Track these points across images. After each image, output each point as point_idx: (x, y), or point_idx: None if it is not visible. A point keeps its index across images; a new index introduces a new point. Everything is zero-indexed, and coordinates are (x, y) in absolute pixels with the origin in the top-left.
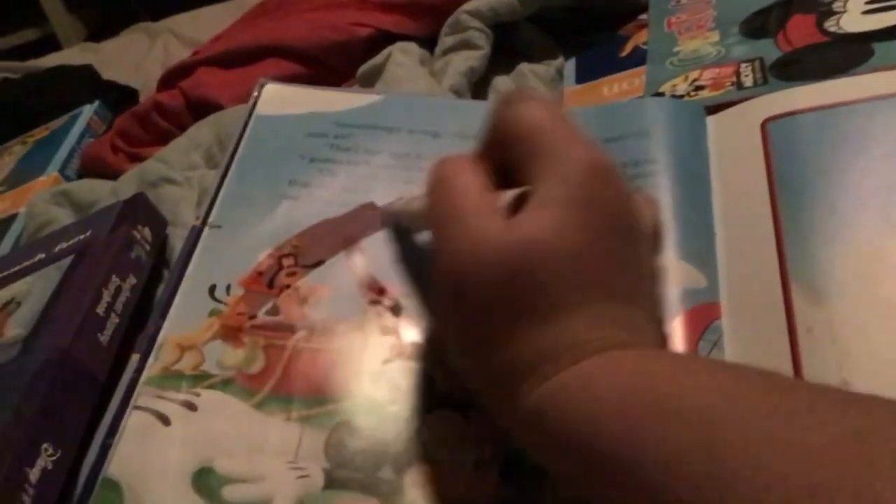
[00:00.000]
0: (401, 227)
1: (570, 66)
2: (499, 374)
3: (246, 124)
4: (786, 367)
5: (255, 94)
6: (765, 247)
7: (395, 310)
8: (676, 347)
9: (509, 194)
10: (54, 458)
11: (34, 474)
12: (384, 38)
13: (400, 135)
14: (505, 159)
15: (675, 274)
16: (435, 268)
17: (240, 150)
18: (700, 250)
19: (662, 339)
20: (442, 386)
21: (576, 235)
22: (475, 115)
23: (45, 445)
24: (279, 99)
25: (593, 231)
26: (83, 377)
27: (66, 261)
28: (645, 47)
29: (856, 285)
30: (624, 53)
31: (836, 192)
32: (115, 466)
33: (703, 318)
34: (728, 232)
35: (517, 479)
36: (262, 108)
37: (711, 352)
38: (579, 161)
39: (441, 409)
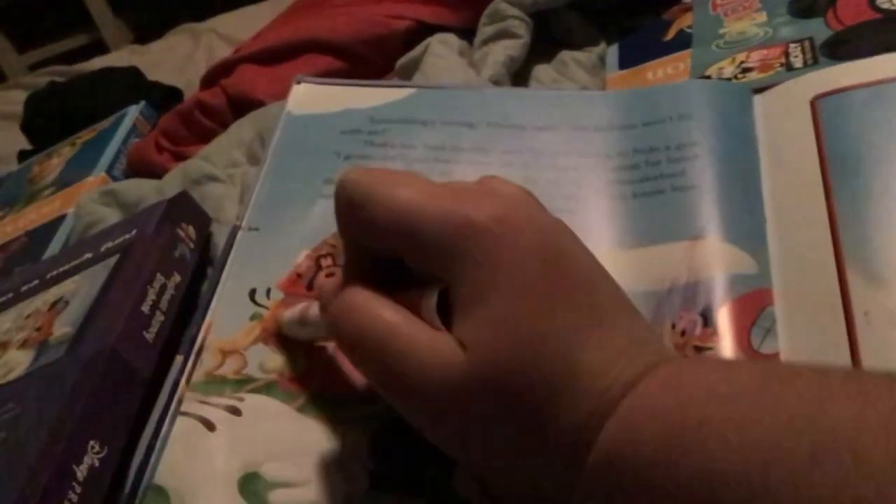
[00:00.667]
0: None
1: (612, 52)
2: (543, 466)
3: (280, 124)
4: (843, 353)
5: (293, 91)
6: (818, 228)
7: (439, 304)
8: (728, 335)
9: (431, 303)
10: (101, 455)
11: (81, 472)
12: (423, 30)
13: (434, 127)
14: (391, 251)
15: (724, 259)
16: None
17: (273, 150)
18: (750, 234)
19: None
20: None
21: (530, 320)
22: (509, 104)
23: (92, 443)
24: (311, 98)
25: (542, 298)
26: (129, 374)
27: (112, 259)
28: (689, 31)
29: None
30: (668, 37)
31: (889, 170)
32: (162, 473)
33: (755, 304)
34: (779, 214)
35: None
36: (294, 108)
37: (765, 339)
38: (472, 233)
39: None
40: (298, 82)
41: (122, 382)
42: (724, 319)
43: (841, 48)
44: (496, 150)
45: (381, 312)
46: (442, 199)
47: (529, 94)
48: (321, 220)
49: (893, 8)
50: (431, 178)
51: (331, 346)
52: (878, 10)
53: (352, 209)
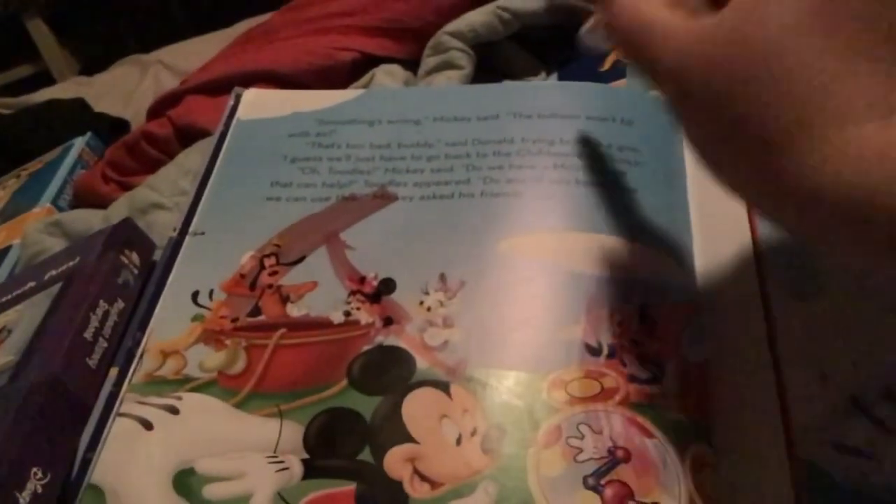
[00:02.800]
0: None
1: (551, 81)
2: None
3: (223, 133)
4: (765, 359)
5: (232, 102)
6: (742, 243)
7: (375, 297)
8: (662, 336)
9: None
10: (44, 481)
11: (24, 498)
12: (368, 62)
13: (381, 126)
14: None
15: (659, 264)
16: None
17: (221, 155)
18: (680, 246)
19: None
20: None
21: None
22: (453, 99)
23: (34, 469)
24: (260, 103)
25: None
26: (72, 401)
27: (56, 287)
28: (625, 61)
29: (834, 279)
30: (604, 68)
31: None
32: (99, 472)
33: (685, 311)
34: (704, 226)
35: (500, 450)
36: (243, 113)
37: (692, 347)
38: None
39: (421, 387)
40: (238, 94)
41: (65, 409)
42: (659, 319)
43: None
44: (441, 143)
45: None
46: None
47: (473, 89)
48: (267, 223)
49: None
50: (376, 176)
51: (270, 343)
52: None
53: None
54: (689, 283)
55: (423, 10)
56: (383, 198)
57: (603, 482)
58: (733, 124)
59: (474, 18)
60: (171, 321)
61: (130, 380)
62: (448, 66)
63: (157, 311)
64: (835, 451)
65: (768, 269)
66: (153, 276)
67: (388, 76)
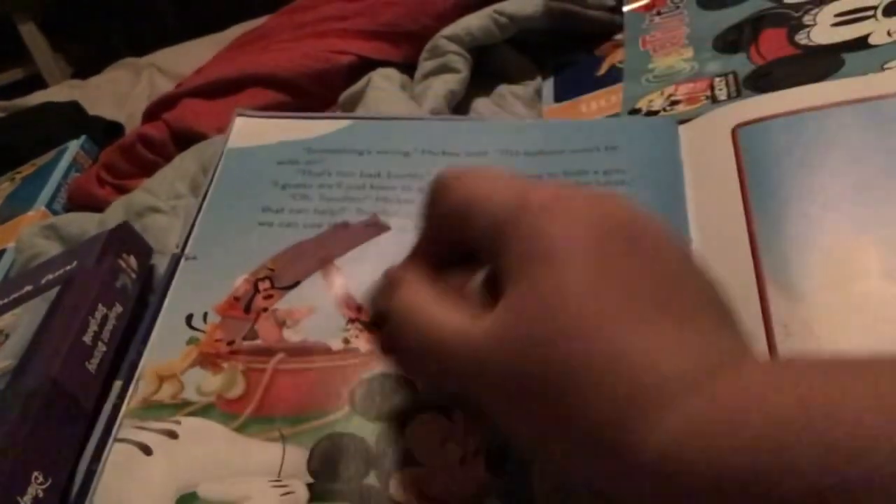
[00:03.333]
0: None
1: (548, 85)
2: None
3: (221, 158)
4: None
5: (233, 125)
6: (740, 250)
7: (373, 325)
8: None
9: (475, 283)
10: (45, 486)
11: (25, 502)
12: (365, 65)
13: (370, 156)
14: (458, 241)
15: None
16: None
17: (213, 182)
18: None
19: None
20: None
21: (574, 291)
22: (441, 133)
23: (35, 474)
24: (249, 131)
25: (594, 273)
26: (72, 405)
27: (53, 292)
28: (621, 66)
29: (830, 283)
30: (600, 72)
31: (806, 194)
32: (99, 499)
33: None
34: (704, 238)
35: (504, 469)
36: (232, 142)
37: None
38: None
39: (423, 412)
40: (239, 115)
41: (65, 413)
42: None
43: (762, 81)
44: (429, 176)
45: (425, 306)
46: (508, 186)
47: (461, 124)
48: (259, 247)
49: (810, 44)
50: (367, 204)
51: (269, 367)
52: (796, 45)
53: (436, 194)
54: None
55: (419, 14)
56: (376, 226)
57: None
58: (552, 419)
59: (471, 22)
60: (166, 344)
61: (128, 404)
62: (445, 69)
63: (152, 336)
64: None
65: (768, 287)
66: (156, 292)
67: (384, 80)
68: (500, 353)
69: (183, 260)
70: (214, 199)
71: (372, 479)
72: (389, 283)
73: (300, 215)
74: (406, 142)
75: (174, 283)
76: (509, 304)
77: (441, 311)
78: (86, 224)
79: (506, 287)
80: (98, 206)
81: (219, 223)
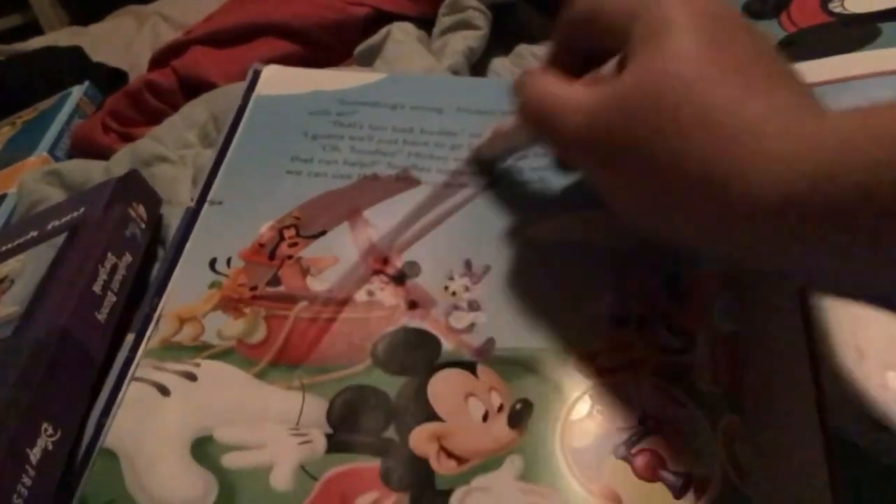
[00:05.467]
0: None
1: None
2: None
3: (243, 106)
4: (798, 337)
5: (250, 78)
6: None
7: (399, 279)
8: (687, 310)
9: (610, 63)
10: (54, 438)
11: (34, 455)
12: (381, 18)
13: (404, 111)
14: (589, 41)
15: None
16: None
17: (239, 128)
18: None
19: None
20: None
21: (699, 54)
22: (476, 91)
23: (44, 425)
24: (280, 79)
25: (715, 37)
26: (81, 356)
27: (60, 238)
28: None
29: None
30: None
31: None
32: (113, 437)
33: (713, 283)
34: None
35: (527, 427)
36: (262, 89)
37: (723, 317)
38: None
39: (447, 367)
40: (257, 70)
41: (75, 364)
42: (688, 289)
43: (794, 49)
44: (464, 133)
45: (547, 85)
46: None
47: (494, 83)
48: (286, 195)
49: (845, 12)
50: (399, 158)
51: (292, 315)
52: (830, 13)
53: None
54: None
55: None
56: (406, 181)
57: (633, 451)
58: (663, 170)
59: None
60: (187, 287)
61: (146, 344)
62: (464, 25)
63: (173, 277)
64: (868, 425)
65: None
66: (170, 243)
67: (403, 33)
68: (615, 109)
69: (207, 204)
70: (241, 145)
71: (392, 433)
72: (524, 79)
73: (330, 166)
74: (440, 99)
75: (197, 227)
76: (629, 70)
77: (567, 88)
78: (90, 171)
79: (632, 52)
80: (102, 154)
81: (246, 170)
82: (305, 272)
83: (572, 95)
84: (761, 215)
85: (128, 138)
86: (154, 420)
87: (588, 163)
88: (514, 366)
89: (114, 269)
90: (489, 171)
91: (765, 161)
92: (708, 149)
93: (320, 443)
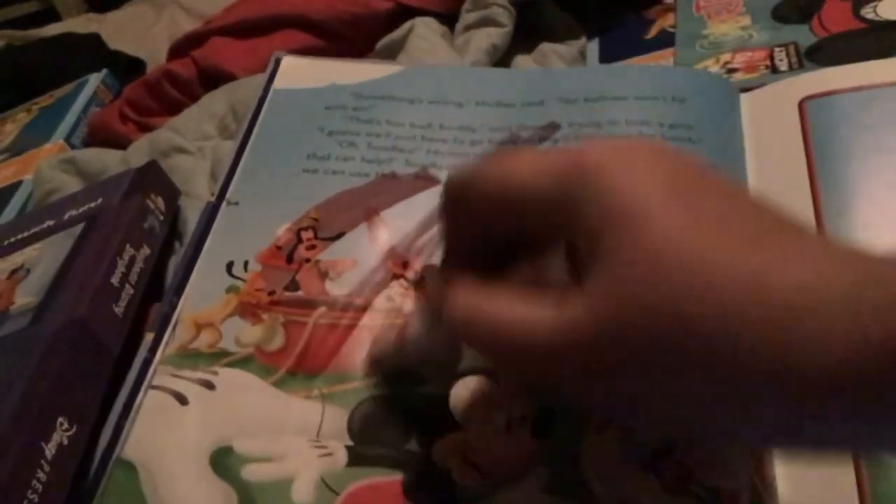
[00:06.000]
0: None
1: (592, 46)
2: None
3: (262, 99)
4: None
5: (271, 68)
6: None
7: (419, 283)
8: None
9: (556, 260)
10: (70, 433)
11: (49, 450)
12: (404, 13)
13: (422, 106)
14: (501, 232)
15: None
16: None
17: (257, 125)
18: None
19: None
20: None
21: (684, 238)
22: (495, 83)
23: (60, 419)
24: (296, 72)
25: (694, 211)
26: (99, 349)
27: (77, 228)
28: (671, 30)
29: None
30: (649, 35)
31: (874, 173)
32: (131, 447)
33: None
34: None
35: (552, 437)
36: (279, 82)
37: None
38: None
39: (468, 375)
40: (278, 60)
41: (92, 357)
42: None
43: (825, 54)
44: (484, 128)
45: (502, 312)
46: (550, 157)
47: (516, 73)
48: (303, 194)
49: (877, 18)
50: (417, 156)
51: (310, 321)
52: (861, 19)
53: (460, 191)
54: None
55: None
56: (425, 179)
57: (661, 463)
58: (677, 373)
59: None
60: (204, 292)
61: (163, 351)
62: (488, 22)
63: (190, 282)
64: None
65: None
66: (188, 240)
67: (426, 28)
68: (612, 330)
69: (224, 205)
70: (257, 142)
71: (413, 445)
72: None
73: (347, 163)
74: (459, 92)
75: (214, 228)
76: (602, 278)
77: (515, 309)
78: (107, 160)
79: (589, 260)
80: (119, 143)
81: (261, 168)
82: (324, 276)
83: (535, 321)
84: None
85: (146, 128)
86: (172, 430)
87: (591, 378)
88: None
89: (132, 261)
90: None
91: (825, 334)
92: (749, 339)
93: (341, 455)
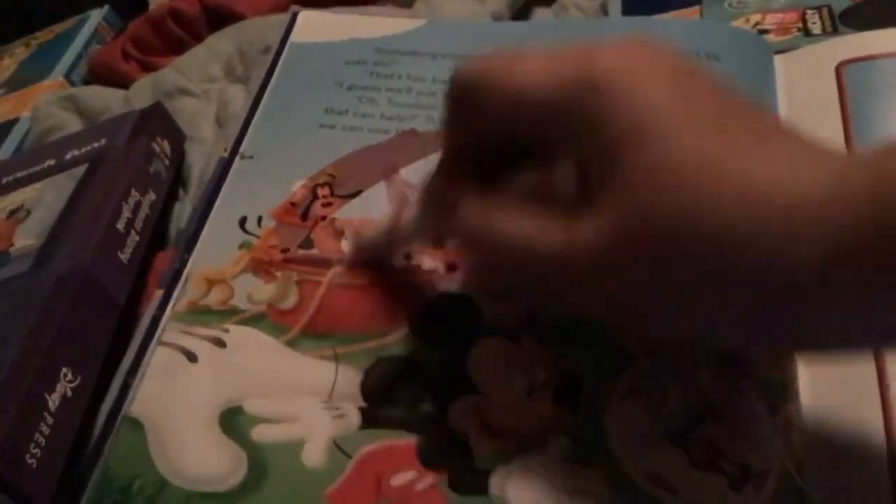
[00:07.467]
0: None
1: (614, 1)
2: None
3: (279, 52)
4: None
5: (288, 21)
6: None
7: (438, 240)
8: None
9: (558, 181)
10: (74, 384)
11: (53, 401)
12: None
13: (445, 61)
14: (506, 139)
15: None
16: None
17: (273, 77)
18: None
19: None
20: (489, 316)
21: (691, 146)
22: (520, 37)
23: (64, 370)
24: (315, 26)
25: (698, 119)
26: (104, 297)
27: (80, 169)
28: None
29: None
30: None
31: None
32: (138, 404)
33: None
34: None
35: (574, 405)
36: (297, 36)
37: None
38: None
39: (488, 336)
40: (295, 13)
41: (97, 306)
42: None
43: (861, 18)
44: None
45: (503, 223)
46: (559, 59)
47: (537, 25)
48: (320, 150)
49: None
50: (439, 113)
51: (325, 280)
52: None
53: (469, 91)
54: None
55: None
56: None
57: (689, 437)
58: (686, 283)
59: None
60: (216, 247)
61: (173, 307)
62: None
63: (202, 236)
64: None
65: None
66: (200, 195)
67: None
68: (626, 246)
69: (238, 159)
70: (273, 96)
71: (429, 407)
72: (439, 205)
73: (366, 119)
74: (482, 46)
75: (227, 182)
76: (616, 191)
77: (524, 224)
78: (109, 99)
79: (600, 173)
80: (121, 82)
81: (277, 122)
82: (340, 234)
83: (547, 236)
84: (807, 281)
85: (149, 67)
86: (181, 388)
87: (591, 286)
88: (561, 337)
89: (137, 206)
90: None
91: (806, 226)
92: (754, 246)
93: (354, 417)
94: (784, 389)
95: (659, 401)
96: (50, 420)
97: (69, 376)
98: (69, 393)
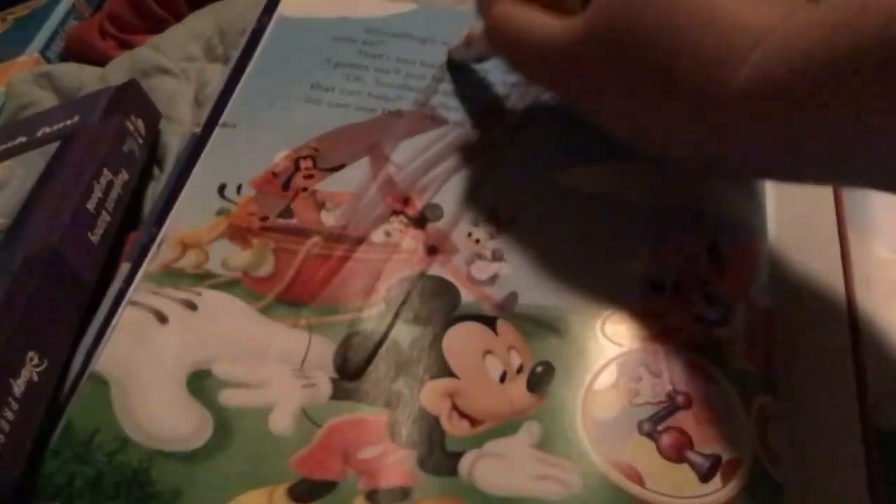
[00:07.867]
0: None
1: None
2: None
3: (264, 25)
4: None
5: None
6: (823, 195)
7: (419, 221)
8: (731, 279)
9: None
10: (40, 368)
11: (18, 387)
12: None
13: (434, 46)
14: None
15: (728, 200)
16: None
17: (258, 51)
18: (751, 186)
19: None
20: None
21: None
22: None
23: (30, 354)
24: (305, 1)
25: None
26: (72, 279)
27: (52, 147)
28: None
29: None
30: None
31: None
32: (105, 361)
33: (756, 253)
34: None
35: (548, 393)
36: (285, 9)
37: (762, 290)
38: None
39: (465, 320)
40: None
41: (65, 287)
42: (729, 258)
43: None
44: (497, 70)
45: (533, 19)
46: None
47: None
48: (304, 123)
49: None
50: (430, 98)
51: (302, 250)
52: None
53: None
54: (761, 221)
55: None
56: (433, 119)
57: (660, 428)
58: (663, 74)
59: None
60: (193, 212)
61: (147, 268)
62: None
63: (179, 200)
64: None
65: (848, 210)
66: (171, 169)
67: None
68: (597, 33)
69: (219, 127)
70: (258, 68)
71: (401, 385)
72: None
73: (352, 97)
74: None
75: (207, 149)
76: None
77: (539, 20)
78: (85, 77)
79: None
80: (98, 60)
81: (262, 94)
82: (320, 206)
83: (552, 24)
84: (735, 101)
85: (126, 45)
86: (149, 348)
87: (571, 76)
88: (538, 325)
89: (109, 185)
90: (463, 70)
91: (742, 64)
92: (695, 53)
93: (325, 387)
94: (759, 380)
95: (631, 392)
96: (15, 406)
97: (35, 360)
98: (35, 377)
